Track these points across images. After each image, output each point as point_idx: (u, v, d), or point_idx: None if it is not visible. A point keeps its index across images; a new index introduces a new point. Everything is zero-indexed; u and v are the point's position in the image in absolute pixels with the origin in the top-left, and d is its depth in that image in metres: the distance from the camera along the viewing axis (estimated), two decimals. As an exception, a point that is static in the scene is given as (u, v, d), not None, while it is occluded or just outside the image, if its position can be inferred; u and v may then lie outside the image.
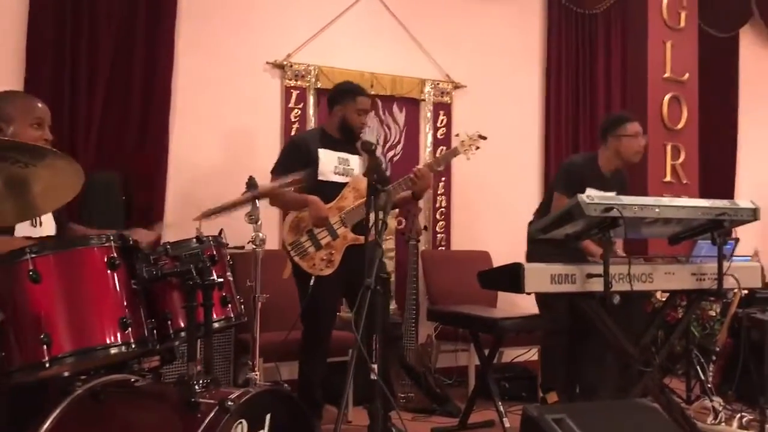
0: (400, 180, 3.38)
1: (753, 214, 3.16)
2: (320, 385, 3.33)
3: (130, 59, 3.98)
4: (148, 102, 4.02)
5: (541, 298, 3.67)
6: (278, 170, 3.29)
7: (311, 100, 4.47)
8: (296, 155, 3.34)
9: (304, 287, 3.20)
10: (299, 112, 4.42)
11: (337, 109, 3.40)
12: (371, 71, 4.63)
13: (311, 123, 4.45)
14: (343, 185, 3.34)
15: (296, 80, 4.43)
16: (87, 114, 3.84)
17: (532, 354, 4.38)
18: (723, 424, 3.46)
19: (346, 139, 3.39)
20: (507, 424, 3.22)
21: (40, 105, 2.33)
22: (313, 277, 3.19)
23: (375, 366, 2.17)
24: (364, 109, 3.39)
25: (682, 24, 5.49)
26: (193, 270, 1.87)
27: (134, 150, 3.98)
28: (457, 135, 3.62)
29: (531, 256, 3.73)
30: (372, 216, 2.35)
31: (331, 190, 3.31)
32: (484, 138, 3.56)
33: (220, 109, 4.25)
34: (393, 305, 4.42)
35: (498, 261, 4.26)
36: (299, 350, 3.33)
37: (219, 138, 4.26)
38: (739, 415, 3.48)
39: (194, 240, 2.08)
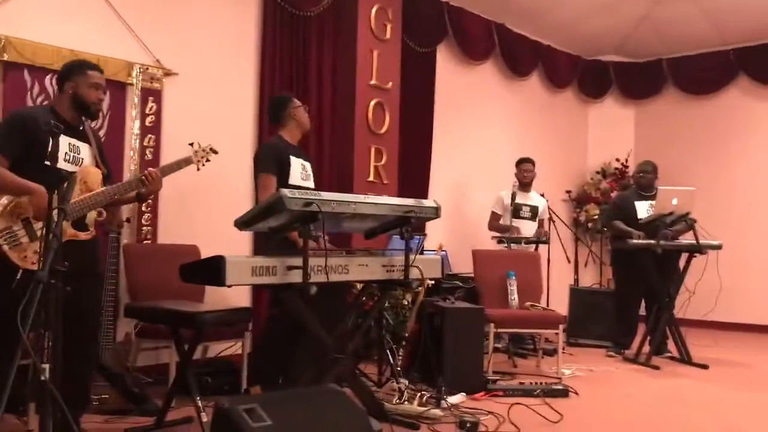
0: (130, 180, 3.27)
1: (435, 212, 3.53)
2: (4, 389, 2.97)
3: None
4: None
5: (272, 293, 3.73)
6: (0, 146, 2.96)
7: (-4, 73, 3.98)
8: (22, 132, 2.99)
9: (7, 281, 2.84)
10: (-20, 85, 3.92)
11: (68, 86, 3.12)
12: (71, 48, 4.25)
13: (-5, 98, 3.96)
14: (71, 174, 3.03)
15: (-23, 49, 3.92)
16: None
17: (236, 348, 4.39)
18: (406, 402, 3.80)
19: (80, 119, 3.17)
20: (204, 419, 3.18)
21: None
22: (20, 271, 2.85)
23: (45, 367, 1.99)
24: (97, 84, 3.17)
25: (388, 35, 5.93)
26: None
27: None
28: (191, 144, 3.59)
29: (257, 250, 3.80)
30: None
31: (56, 179, 2.98)
32: (216, 152, 3.64)
33: None
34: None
35: (208, 255, 4.21)
36: None
37: None
38: (419, 394, 3.85)
39: None
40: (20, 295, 2.84)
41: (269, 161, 3.92)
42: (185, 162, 3.51)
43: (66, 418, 2.31)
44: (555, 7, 7.10)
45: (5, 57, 4.00)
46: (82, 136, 3.20)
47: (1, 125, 3.16)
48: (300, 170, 4.01)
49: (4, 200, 2.95)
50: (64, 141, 3.06)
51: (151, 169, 3.33)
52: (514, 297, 5.22)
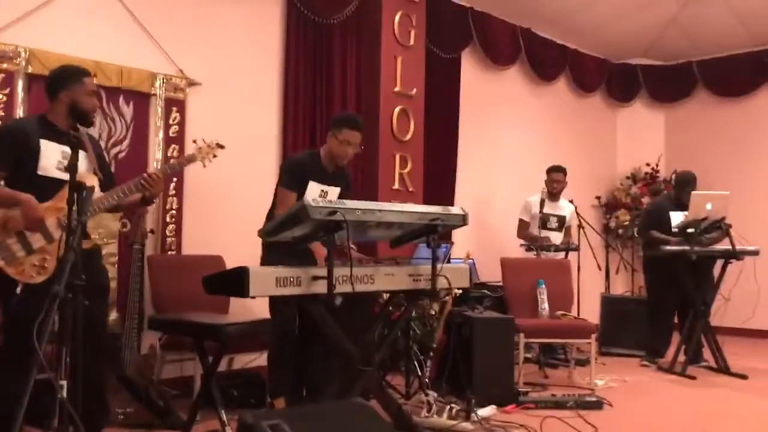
0: (129, 182, 3.12)
1: (462, 220, 3.42)
2: (20, 403, 2.94)
3: None
4: None
5: (271, 302, 3.65)
6: None
7: (20, 85, 3.97)
8: (14, 143, 2.94)
9: (8, 295, 2.81)
10: (5, 98, 3.91)
11: (63, 95, 3.05)
12: (95, 59, 4.24)
13: (20, 110, 3.96)
14: (65, 183, 2.99)
15: (1, 63, 3.91)
16: None
17: (262, 359, 4.33)
18: (435, 416, 3.70)
19: (75, 127, 3.06)
20: (229, 433, 3.13)
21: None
22: (20, 285, 2.81)
23: (63, 383, 1.94)
24: (93, 91, 3.12)
25: (412, 41, 5.86)
26: None
27: None
28: (194, 141, 3.47)
29: (264, 260, 3.71)
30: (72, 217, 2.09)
31: (51, 188, 2.94)
32: (222, 147, 3.47)
33: None
34: (114, 315, 4.09)
35: (233, 265, 4.15)
36: None
37: None
38: (449, 407, 3.75)
39: None
40: (29, 308, 2.83)
41: (290, 179, 3.80)
42: (187, 160, 3.40)
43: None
44: (581, 11, 6.98)
45: (30, 69, 4.00)
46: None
47: None
48: (316, 195, 3.89)
49: None
50: (57, 149, 3.01)
51: (150, 170, 3.24)
52: (545, 306, 5.09)
